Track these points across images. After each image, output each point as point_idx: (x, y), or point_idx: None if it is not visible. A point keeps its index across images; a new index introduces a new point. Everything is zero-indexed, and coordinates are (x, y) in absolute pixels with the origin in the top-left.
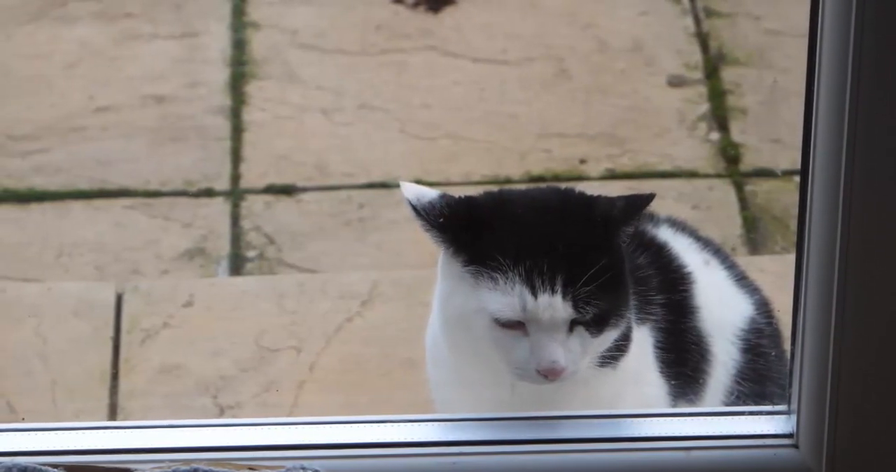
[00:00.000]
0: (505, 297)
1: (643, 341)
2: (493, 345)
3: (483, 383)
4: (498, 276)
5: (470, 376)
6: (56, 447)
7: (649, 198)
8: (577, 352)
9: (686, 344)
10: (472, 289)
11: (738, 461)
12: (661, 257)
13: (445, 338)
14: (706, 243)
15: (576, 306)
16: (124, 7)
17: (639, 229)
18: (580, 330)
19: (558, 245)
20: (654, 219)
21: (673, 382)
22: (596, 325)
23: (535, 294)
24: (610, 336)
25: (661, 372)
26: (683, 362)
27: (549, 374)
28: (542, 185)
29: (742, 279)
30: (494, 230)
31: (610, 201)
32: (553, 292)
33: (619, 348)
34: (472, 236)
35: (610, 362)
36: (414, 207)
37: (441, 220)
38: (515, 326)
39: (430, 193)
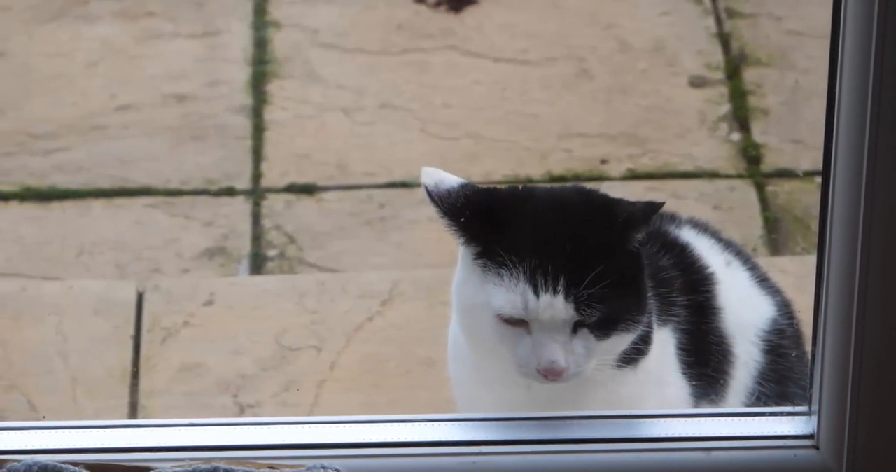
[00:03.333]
0: (508, 293)
1: (665, 342)
2: (498, 340)
3: (501, 382)
4: (504, 272)
5: (489, 375)
6: (76, 446)
7: (659, 205)
8: (581, 354)
9: (708, 345)
10: (481, 282)
11: (759, 462)
12: (684, 258)
13: (460, 326)
14: (728, 244)
15: (578, 308)
16: (145, 6)
17: (661, 231)
18: (584, 332)
19: (565, 246)
20: (676, 220)
21: (695, 382)
22: (601, 328)
23: (536, 293)
24: (620, 340)
25: (683, 373)
26: (705, 362)
27: (549, 374)
28: (566, 184)
29: (764, 280)
30: (505, 225)
31: (622, 205)
32: (555, 292)
33: (638, 350)
34: (484, 228)
35: (629, 364)
36: (429, 193)
37: (461, 218)
38: (519, 323)
39: (451, 181)
